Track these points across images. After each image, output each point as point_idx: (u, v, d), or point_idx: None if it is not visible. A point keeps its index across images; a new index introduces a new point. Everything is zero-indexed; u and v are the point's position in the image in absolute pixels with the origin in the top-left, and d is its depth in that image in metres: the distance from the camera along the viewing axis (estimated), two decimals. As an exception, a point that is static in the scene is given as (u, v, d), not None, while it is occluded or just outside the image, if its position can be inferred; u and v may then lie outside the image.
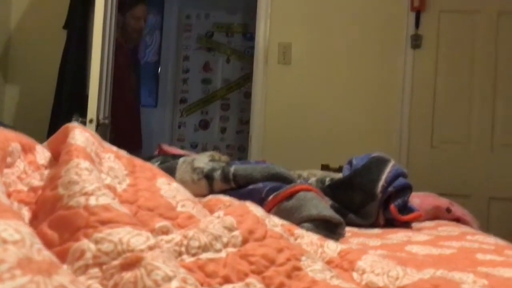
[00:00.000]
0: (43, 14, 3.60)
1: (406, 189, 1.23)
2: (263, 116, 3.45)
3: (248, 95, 4.72)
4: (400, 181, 1.22)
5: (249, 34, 5.04)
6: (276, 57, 3.44)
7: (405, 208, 1.22)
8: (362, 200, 1.18)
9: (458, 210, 1.41)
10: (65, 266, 0.48)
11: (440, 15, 3.31)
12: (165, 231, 0.59)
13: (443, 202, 1.39)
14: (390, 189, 1.20)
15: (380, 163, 1.26)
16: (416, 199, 1.34)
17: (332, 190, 1.23)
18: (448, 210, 1.38)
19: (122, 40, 3.26)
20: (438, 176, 3.22)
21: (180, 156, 1.32)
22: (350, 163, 1.41)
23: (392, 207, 1.19)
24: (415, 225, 1.26)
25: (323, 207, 0.97)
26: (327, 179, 1.30)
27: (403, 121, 3.31)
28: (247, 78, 4.94)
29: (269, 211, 1.01)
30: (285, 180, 1.06)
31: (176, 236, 0.58)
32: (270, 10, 3.44)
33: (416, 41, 3.31)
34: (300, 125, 3.37)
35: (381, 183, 1.20)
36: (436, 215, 1.35)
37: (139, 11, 3.30)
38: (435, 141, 3.31)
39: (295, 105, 3.42)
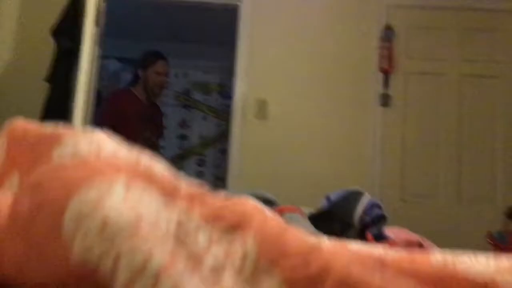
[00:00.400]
0: (25, 66, 3.68)
1: (381, 219, 1.32)
2: (240, 168, 3.54)
3: (223, 152, 4.82)
4: (376, 211, 1.31)
5: (225, 92, 5.21)
6: (253, 112, 3.57)
7: (380, 237, 1.30)
8: (341, 228, 1.26)
9: (428, 245, 1.49)
10: None
11: (408, 76, 3.53)
12: None
13: (415, 237, 1.48)
14: (367, 218, 1.29)
15: (357, 195, 1.35)
16: (390, 233, 1.42)
17: (312, 221, 1.31)
18: (420, 245, 1.47)
19: (142, 94, 3.42)
20: (409, 228, 3.31)
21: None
22: (327, 198, 1.50)
23: (369, 235, 1.27)
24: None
25: (309, 225, 1.05)
26: (307, 211, 1.38)
27: (374, 176, 3.43)
28: (223, 135, 5.06)
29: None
30: (270, 203, 1.14)
31: None
32: (248, 67, 3.60)
33: (385, 100, 3.50)
34: (277, 178, 3.45)
35: (358, 213, 1.29)
36: (408, 248, 1.43)
37: (160, 67, 3.44)
38: (406, 195, 3.43)
39: (271, 158, 3.52)
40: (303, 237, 0.44)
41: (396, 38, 3.51)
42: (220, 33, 4.52)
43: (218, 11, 4.16)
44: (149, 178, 0.49)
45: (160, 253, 0.36)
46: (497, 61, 3.50)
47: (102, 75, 3.85)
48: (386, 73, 3.50)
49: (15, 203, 0.52)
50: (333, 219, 1.29)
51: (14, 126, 0.66)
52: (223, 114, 5.17)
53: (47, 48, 3.38)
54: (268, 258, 0.41)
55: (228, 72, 3.82)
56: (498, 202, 3.33)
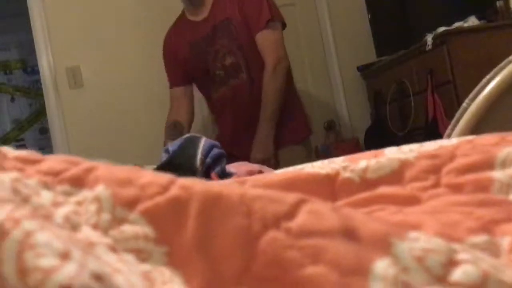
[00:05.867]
0: None
1: (221, 158, 1.36)
2: (66, 145, 3.34)
3: (44, 131, 4.50)
4: (215, 151, 1.34)
5: (29, 68, 4.79)
6: (67, 83, 3.35)
7: (224, 174, 1.34)
8: (185, 176, 1.27)
9: (268, 170, 1.58)
10: None
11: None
12: None
13: (255, 167, 1.55)
14: (208, 160, 1.31)
15: (194, 140, 1.36)
16: (232, 168, 1.47)
17: (156, 175, 1.29)
18: (260, 172, 1.55)
19: None
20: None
21: None
22: (166, 150, 1.49)
23: (213, 174, 1.31)
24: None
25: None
26: (148, 167, 1.36)
27: (204, 117, 3.49)
28: (39, 113, 4.69)
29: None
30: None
31: None
32: (49, 37, 3.34)
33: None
34: (109, 146, 3.32)
35: (199, 156, 1.30)
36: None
37: None
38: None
39: (98, 127, 3.37)
40: (157, 174, 0.43)
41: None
42: (10, 3, 4.08)
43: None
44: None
45: None
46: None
47: None
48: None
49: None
50: (177, 169, 1.29)
51: None
52: (33, 92, 4.77)
53: None
54: (124, 200, 0.39)
55: (28, 45, 3.50)
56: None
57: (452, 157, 0.52)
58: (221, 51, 2.27)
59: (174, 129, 2.29)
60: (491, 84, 0.95)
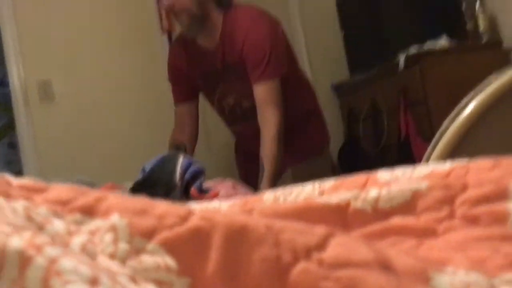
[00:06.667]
0: None
1: (200, 174, 1.35)
2: (36, 160, 3.26)
3: (13, 146, 4.40)
4: (193, 168, 1.33)
5: (-2, 81, 4.69)
6: (37, 96, 3.29)
7: (202, 190, 1.34)
8: (164, 192, 1.25)
9: (241, 190, 1.58)
10: None
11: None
12: None
13: (228, 183, 1.55)
14: (187, 176, 1.31)
15: (172, 157, 1.36)
16: (208, 184, 1.47)
17: (134, 192, 1.27)
18: (234, 188, 1.54)
19: None
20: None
21: None
22: (143, 169, 1.47)
23: (193, 190, 1.30)
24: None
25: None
26: (127, 184, 1.34)
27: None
28: (8, 127, 4.58)
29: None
30: (92, 185, 1.07)
31: None
32: (20, 49, 3.28)
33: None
34: (82, 161, 3.24)
35: (178, 172, 1.29)
36: (232, 194, 1.50)
37: None
38: (211, 144, 3.54)
39: (70, 142, 3.30)
40: (172, 205, 0.41)
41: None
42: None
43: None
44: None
45: (18, 238, 0.30)
46: None
47: None
48: (169, 32, 3.50)
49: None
50: (155, 186, 1.27)
51: None
52: (2, 105, 4.67)
53: None
54: (142, 230, 0.38)
55: (-3, 57, 3.43)
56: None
57: (464, 187, 0.52)
58: (236, 92, 2.16)
59: (176, 151, 2.21)
60: (470, 106, 0.97)
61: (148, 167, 1.43)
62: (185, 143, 2.28)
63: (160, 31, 3.50)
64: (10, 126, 4.24)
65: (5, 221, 0.33)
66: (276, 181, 1.97)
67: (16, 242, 0.29)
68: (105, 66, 3.42)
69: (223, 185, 1.55)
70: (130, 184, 1.35)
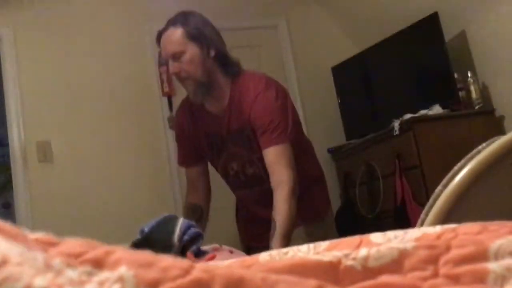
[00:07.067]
0: None
1: (198, 237, 1.36)
2: (31, 221, 3.24)
3: (8, 206, 4.38)
4: (192, 230, 1.34)
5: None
6: (36, 157, 3.31)
7: (199, 253, 1.34)
8: (162, 251, 1.25)
9: (238, 253, 1.57)
10: None
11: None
12: None
13: (225, 249, 1.55)
14: (186, 237, 1.31)
15: (171, 218, 1.37)
16: (206, 248, 1.47)
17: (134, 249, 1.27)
18: (231, 252, 1.54)
19: None
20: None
21: None
22: (141, 231, 1.48)
23: (189, 253, 1.30)
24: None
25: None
26: (124, 245, 1.33)
27: (176, 198, 3.46)
28: (4, 187, 4.58)
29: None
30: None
31: None
32: (22, 110, 3.34)
33: (172, 122, 3.58)
34: (77, 223, 3.20)
35: (177, 233, 1.30)
36: (225, 256, 1.50)
37: None
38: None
39: (65, 204, 3.29)
40: (176, 259, 0.44)
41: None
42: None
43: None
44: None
45: (42, 278, 0.32)
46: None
47: None
48: (169, 96, 3.58)
49: None
50: (154, 244, 1.28)
51: None
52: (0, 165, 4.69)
53: None
54: (147, 281, 0.40)
55: (-2, 117, 3.49)
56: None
57: (448, 247, 0.55)
58: (240, 159, 2.15)
59: (193, 214, 2.18)
60: (463, 172, 1.00)
61: (146, 228, 1.44)
62: (200, 205, 2.25)
63: (160, 94, 3.58)
64: (6, 186, 4.25)
65: (29, 264, 0.35)
66: (288, 242, 1.93)
67: (40, 281, 0.32)
68: (104, 128, 3.47)
69: (221, 251, 1.55)
70: (126, 246, 1.35)
